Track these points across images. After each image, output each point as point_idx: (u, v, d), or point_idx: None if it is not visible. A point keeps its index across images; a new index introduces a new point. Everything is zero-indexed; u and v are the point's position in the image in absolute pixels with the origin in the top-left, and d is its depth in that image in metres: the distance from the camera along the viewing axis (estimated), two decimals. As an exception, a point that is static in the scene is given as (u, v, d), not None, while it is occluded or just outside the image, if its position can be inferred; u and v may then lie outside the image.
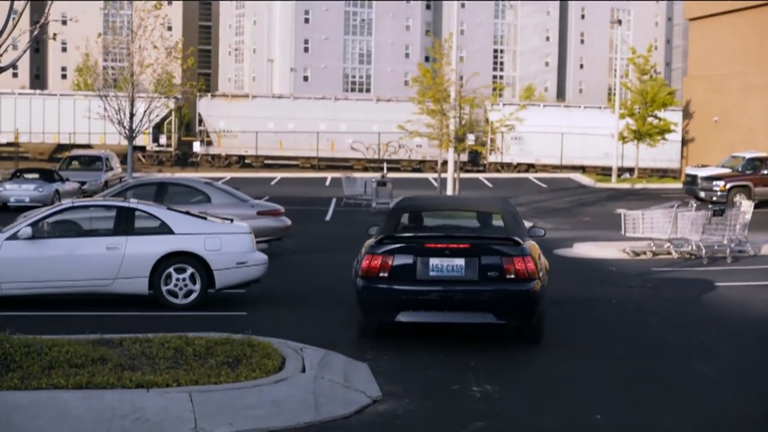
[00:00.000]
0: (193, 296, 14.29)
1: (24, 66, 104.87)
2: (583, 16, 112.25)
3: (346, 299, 15.78)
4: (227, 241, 14.52)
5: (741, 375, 11.03)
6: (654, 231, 22.79)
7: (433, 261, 11.57)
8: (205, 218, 15.09)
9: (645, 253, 22.79)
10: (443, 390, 9.81)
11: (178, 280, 14.24)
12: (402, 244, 11.79)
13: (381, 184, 34.99)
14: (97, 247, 14.21)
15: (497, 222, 13.21)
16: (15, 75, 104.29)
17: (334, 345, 11.45)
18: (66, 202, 15.21)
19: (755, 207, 24.82)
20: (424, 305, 11.69)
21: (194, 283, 14.29)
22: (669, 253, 22.58)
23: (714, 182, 37.78)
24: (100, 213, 15.10)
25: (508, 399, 9.59)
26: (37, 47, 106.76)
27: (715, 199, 36.12)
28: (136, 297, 14.42)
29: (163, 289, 14.21)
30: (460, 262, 11.55)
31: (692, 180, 39.86)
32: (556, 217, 34.05)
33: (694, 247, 22.23)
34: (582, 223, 32.22)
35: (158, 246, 14.28)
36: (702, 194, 37.61)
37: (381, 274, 11.61)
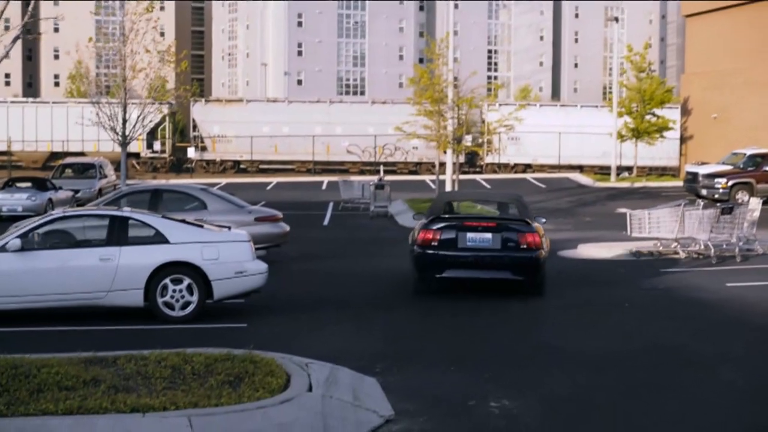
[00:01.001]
0: (191, 308, 13.68)
1: (16, 74, 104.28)
2: (576, 15, 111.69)
3: (349, 307, 15.29)
4: (225, 250, 13.92)
5: (769, 383, 10.49)
6: (661, 231, 22.25)
7: (469, 235, 15.78)
8: (201, 226, 14.50)
9: (651, 253, 22.26)
10: (459, 406, 9.21)
11: (174, 291, 13.63)
12: (447, 223, 16.05)
13: (379, 188, 34.43)
14: (89, 258, 13.58)
15: (512, 209, 17.86)
16: (7, 83, 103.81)
17: (340, 357, 10.91)
18: (56, 212, 14.56)
19: (745, 202, 24.41)
20: (462, 265, 15.78)
21: (191, 294, 13.68)
22: (676, 253, 22.04)
23: (716, 179, 37.26)
24: (92, 222, 14.40)
25: (529, 415, 8.99)
26: (30, 55, 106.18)
27: (717, 196, 35.63)
28: (131, 310, 13.78)
29: (159, 301, 13.61)
30: (488, 235, 15.74)
31: (693, 178, 39.32)
32: (557, 218, 33.47)
33: (702, 247, 21.69)
34: (583, 223, 31.69)
35: (153, 256, 13.66)
36: (703, 192, 37.09)
37: (432, 243, 15.72)
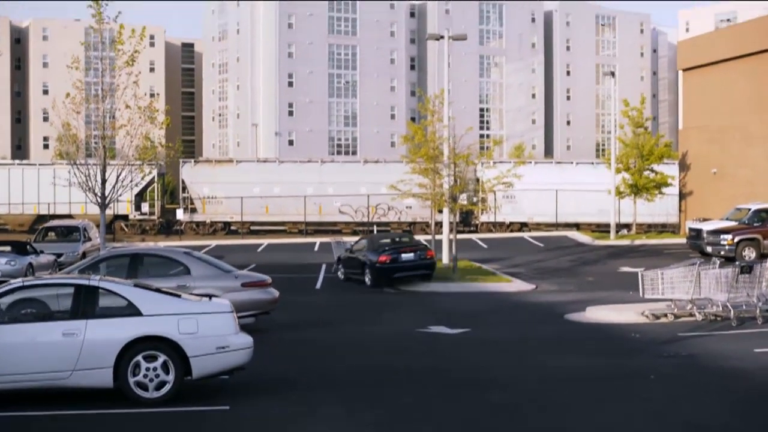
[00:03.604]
0: (166, 388, 12.13)
1: (5, 136, 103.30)
2: (568, 73, 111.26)
3: (343, 384, 13.79)
4: (205, 323, 12.39)
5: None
6: (675, 291, 20.90)
7: (404, 255, 29.41)
8: (179, 296, 13.00)
9: (666, 315, 20.91)
10: None
11: (148, 370, 12.09)
12: (393, 251, 29.60)
13: (373, 249, 33.06)
14: (51, 333, 12.03)
15: (417, 241, 32.00)
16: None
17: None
18: (15, 282, 13.00)
19: (763, 260, 23.16)
20: (402, 269, 29.36)
21: (167, 372, 12.14)
22: (692, 314, 20.70)
23: (721, 236, 36.04)
24: (55, 292, 12.81)
25: None
26: (19, 117, 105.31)
27: (722, 253, 34.45)
28: (99, 391, 12.19)
29: (131, 381, 12.06)
30: (412, 254, 29.55)
31: (697, 234, 38.09)
32: (558, 278, 32.18)
33: (720, 308, 20.33)
34: (587, 283, 30.32)
35: (124, 330, 12.13)
36: (708, 249, 35.85)
37: (387, 261, 29.12)
